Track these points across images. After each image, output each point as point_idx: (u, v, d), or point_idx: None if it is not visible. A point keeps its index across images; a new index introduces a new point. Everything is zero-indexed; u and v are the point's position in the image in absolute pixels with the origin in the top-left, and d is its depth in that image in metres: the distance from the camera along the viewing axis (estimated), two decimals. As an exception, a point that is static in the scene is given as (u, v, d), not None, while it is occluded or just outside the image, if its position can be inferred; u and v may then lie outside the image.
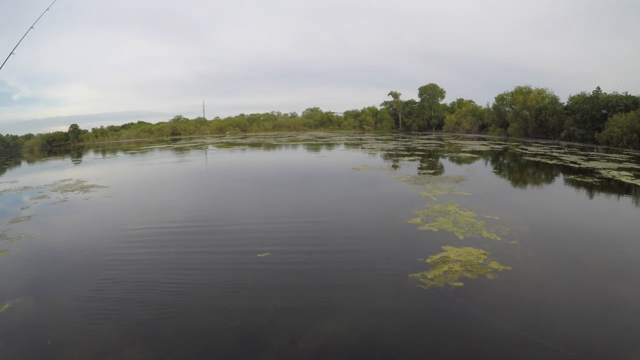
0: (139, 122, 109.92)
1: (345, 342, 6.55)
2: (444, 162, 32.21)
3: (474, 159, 33.16)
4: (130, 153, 49.41)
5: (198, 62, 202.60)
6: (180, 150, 51.08)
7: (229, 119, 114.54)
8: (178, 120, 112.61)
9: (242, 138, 77.90)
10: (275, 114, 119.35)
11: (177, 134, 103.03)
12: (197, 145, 57.99)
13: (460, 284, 8.47)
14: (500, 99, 67.18)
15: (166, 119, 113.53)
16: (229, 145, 57.02)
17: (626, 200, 17.44)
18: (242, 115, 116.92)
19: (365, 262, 10.14)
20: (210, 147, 55.49)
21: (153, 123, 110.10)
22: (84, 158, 48.80)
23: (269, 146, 53.77)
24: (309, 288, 8.68)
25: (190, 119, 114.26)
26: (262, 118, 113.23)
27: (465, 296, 7.96)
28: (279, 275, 9.36)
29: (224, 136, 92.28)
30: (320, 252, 10.73)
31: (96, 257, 10.89)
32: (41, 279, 9.68)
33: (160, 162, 36.53)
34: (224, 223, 14.06)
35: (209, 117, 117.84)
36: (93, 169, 33.98)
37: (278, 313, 7.48)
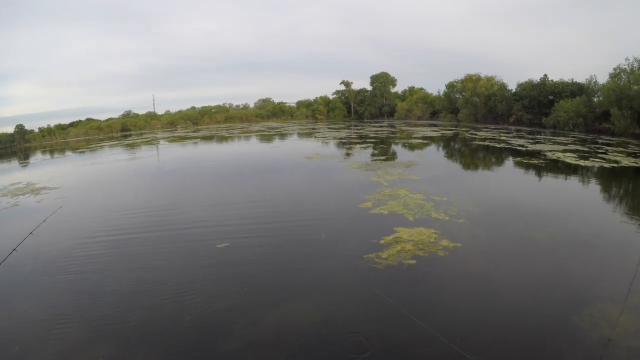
0: (88, 120, 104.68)
1: (304, 323, 6.89)
2: (396, 148, 33.16)
3: (424, 144, 34.35)
4: (80, 152, 47.14)
5: (149, 55, 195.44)
6: (131, 146, 49.25)
7: (180, 112, 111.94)
8: (128, 115, 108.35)
9: (193, 131, 76.30)
10: (227, 105, 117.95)
11: (127, 129, 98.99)
12: (148, 141, 56.15)
13: (414, 261, 8.97)
14: (450, 86, 69.61)
15: (116, 115, 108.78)
16: (181, 139, 55.77)
17: (570, 179, 18.92)
18: (193, 108, 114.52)
19: (321, 246, 10.54)
20: (161, 142, 53.98)
21: (102, 119, 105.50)
22: (32, 159, 46.10)
23: (222, 139, 53.19)
24: (268, 274, 8.96)
25: (140, 113, 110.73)
26: (213, 110, 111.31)
27: (418, 272, 8.45)
28: (238, 263, 9.57)
29: (175, 130, 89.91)
30: (278, 239, 11.04)
31: (55, 259, 10.54)
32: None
33: (111, 160, 35.23)
34: (182, 217, 13.95)
35: (160, 111, 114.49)
36: (42, 170, 32.29)
37: (239, 300, 7.72)
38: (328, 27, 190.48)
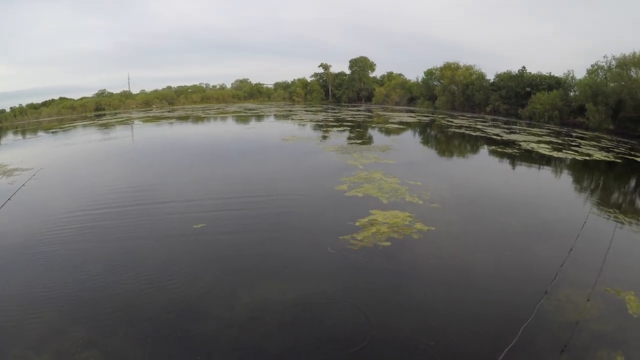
0: (61, 99, 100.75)
1: (281, 303, 6.98)
2: (372, 132, 33.32)
3: (401, 130, 34.66)
4: (52, 132, 45.51)
5: (125, 34, 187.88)
6: (105, 126, 47.66)
7: (155, 91, 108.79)
8: (102, 94, 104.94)
9: (169, 112, 74.65)
10: (204, 85, 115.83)
11: (102, 109, 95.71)
12: (122, 121, 54.50)
13: (388, 243, 9.18)
14: (429, 73, 70.37)
15: (90, 94, 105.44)
16: (156, 119, 54.40)
17: (543, 169, 19.57)
18: (169, 87, 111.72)
19: (297, 227, 10.66)
20: (136, 122, 52.50)
21: (75, 99, 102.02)
22: (3, 140, 44.00)
23: (198, 119, 52.22)
24: (245, 255, 9.01)
25: (115, 93, 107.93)
26: (190, 90, 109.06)
27: (393, 254, 8.68)
28: (215, 244, 9.58)
29: (150, 110, 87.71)
30: (254, 221, 11.07)
31: (30, 241, 10.18)
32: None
33: (84, 140, 34.05)
34: (158, 198, 13.72)
35: (135, 91, 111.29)
36: (14, 151, 30.94)
37: (215, 281, 7.76)
38: (307, 10, 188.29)
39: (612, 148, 26.03)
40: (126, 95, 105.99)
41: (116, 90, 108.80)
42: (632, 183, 18.60)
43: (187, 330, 6.19)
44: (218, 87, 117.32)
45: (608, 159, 21.81)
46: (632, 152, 24.27)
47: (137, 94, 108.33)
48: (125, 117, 63.50)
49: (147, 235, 10.36)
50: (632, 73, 41.44)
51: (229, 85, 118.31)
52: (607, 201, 14.88)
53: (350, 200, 12.57)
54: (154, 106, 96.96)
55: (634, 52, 40.86)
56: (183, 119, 53.82)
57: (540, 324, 6.33)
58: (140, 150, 26.56)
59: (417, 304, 6.84)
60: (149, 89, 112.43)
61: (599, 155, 22.81)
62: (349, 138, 28.08)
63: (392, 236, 9.61)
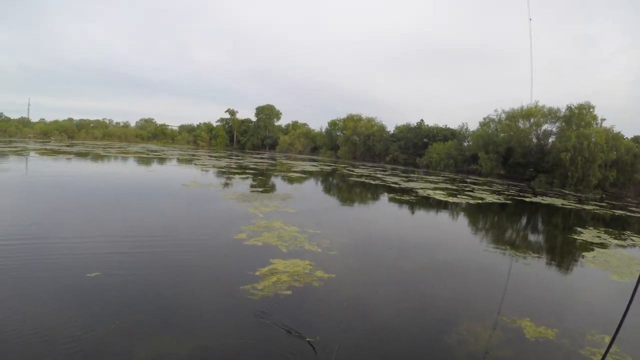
0: None
1: (179, 356, 6.29)
2: (274, 180, 33.43)
3: (302, 178, 35.12)
4: None
5: (29, 53, 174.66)
6: None
7: (56, 122, 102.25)
8: None
9: (68, 146, 69.58)
10: (107, 121, 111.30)
11: None
12: (17, 151, 49.94)
13: (289, 292, 8.88)
14: (332, 124, 73.65)
15: None
16: (54, 152, 50.49)
17: (439, 214, 20.66)
18: (70, 119, 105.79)
19: (196, 277, 9.94)
20: (32, 153, 48.31)
21: None
22: None
23: (98, 157, 49.20)
24: (141, 306, 8.09)
25: (12, 118, 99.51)
26: (92, 125, 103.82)
27: (294, 303, 8.37)
28: (109, 294, 8.52)
29: (48, 142, 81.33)
30: (151, 270, 10.13)
31: None
32: None
33: None
34: (47, 241, 12.12)
35: (35, 118, 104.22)
36: None
37: (109, 334, 6.82)
38: (218, 54, 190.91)
39: (503, 191, 28.37)
40: (24, 123, 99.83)
41: (14, 115, 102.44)
42: (523, 221, 20.26)
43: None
44: (122, 124, 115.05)
45: (499, 201, 23.59)
46: (520, 194, 26.62)
47: (36, 123, 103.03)
48: (21, 146, 58.66)
49: (32, 283, 9.05)
50: (519, 124, 47.02)
51: (133, 124, 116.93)
52: (501, 238, 16.08)
53: (250, 249, 12.19)
54: (52, 138, 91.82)
55: (522, 106, 46.74)
56: (82, 155, 50.61)
57: (446, 359, 6.39)
58: (33, 186, 24.18)
59: (319, 351, 6.52)
60: (49, 118, 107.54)
61: (491, 198, 24.65)
62: (251, 186, 27.89)
63: (293, 285, 9.35)
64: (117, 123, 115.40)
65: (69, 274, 9.69)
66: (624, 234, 19.16)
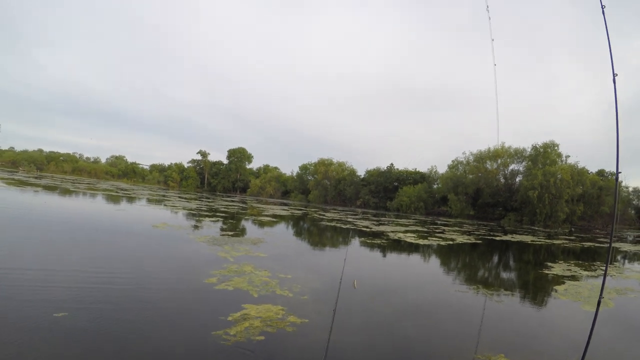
0: None
1: None
2: (245, 224, 33.18)
3: (274, 222, 35.00)
4: None
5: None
6: None
7: (25, 152, 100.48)
8: None
9: (36, 177, 67.82)
10: (77, 155, 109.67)
11: None
12: None
13: (262, 337, 8.70)
14: (304, 168, 74.43)
15: None
16: (21, 183, 48.96)
17: (410, 256, 20.89)
18: (40, 150, 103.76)
19: (166, 322, 9.59)
20: None
21: None
22: None
23: (66, 192, 48.00)
24: (107, 350, 7.75)
25: None
26: (61, 158, 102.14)
27: (267, 348, 8.19)
28: (75, 336, 8.12)
29: (16, 172, 79.12)
30: (117, 313, 9.73)
31: None
32: None
33: None
34: (9, 280, 11.71)
35: (4, 146, 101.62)
36: None
37: None
38: (192, 93, 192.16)
39: (473, 231, 28.88)
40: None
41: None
42: (494, 259, 20.64)
43: None
44: (92, 159, 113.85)
45: (470, 241, 23.95)
46: (491, 233, 27.14)
47: (5, 151, 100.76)
48: (-14, 176, 56.89)
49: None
50: (487, 165, 48.59)
51: (103, 160, 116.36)
52: (473, 278, 16.32)
53: (221, 293, 11.94)
54: (20, 168, 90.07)
55: (489, 147, 48.50)
56: (50, 189, 49.37)
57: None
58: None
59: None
60: (19, 147, 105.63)
61: (461, 238, 25.03)
62: (222, 229, 27.60)
63: (266, 330, 9.17)
64: (88, 158, 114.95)
65: (35, 314, 9.32)
66: (593, 265, 19.79)
